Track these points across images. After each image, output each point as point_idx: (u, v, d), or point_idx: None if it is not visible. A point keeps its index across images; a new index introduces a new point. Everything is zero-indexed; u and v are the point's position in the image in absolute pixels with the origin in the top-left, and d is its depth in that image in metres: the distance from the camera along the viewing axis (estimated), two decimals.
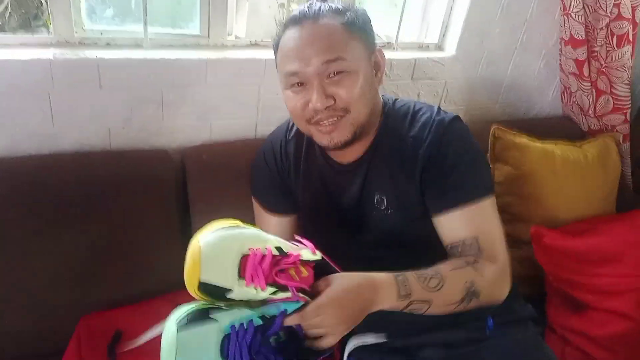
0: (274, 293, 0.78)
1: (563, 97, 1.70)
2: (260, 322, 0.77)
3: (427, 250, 0.97)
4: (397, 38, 1.47)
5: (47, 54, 1.07)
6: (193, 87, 1.22)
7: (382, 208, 1.00)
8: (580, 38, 1.45)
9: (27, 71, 1.05)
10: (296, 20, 0.91)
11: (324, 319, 0.75)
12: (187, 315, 0.76)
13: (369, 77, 0.93)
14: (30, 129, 1.12)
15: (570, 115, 1.72)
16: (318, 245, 0.83)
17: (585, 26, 1.43)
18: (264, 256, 0.78)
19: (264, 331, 0.77)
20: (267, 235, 0.83)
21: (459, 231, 0.93)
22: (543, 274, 1.35)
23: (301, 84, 0.90)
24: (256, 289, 0.76)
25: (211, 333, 0.74)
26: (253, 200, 1.15)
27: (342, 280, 0.79)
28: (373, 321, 1.09)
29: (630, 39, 1.44)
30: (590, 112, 1.61)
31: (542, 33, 1.60)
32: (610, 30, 1.44)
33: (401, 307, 0.83)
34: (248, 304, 0.79)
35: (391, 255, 1.01)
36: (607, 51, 1.48)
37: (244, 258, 0.77)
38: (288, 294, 0.78)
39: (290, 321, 0.76)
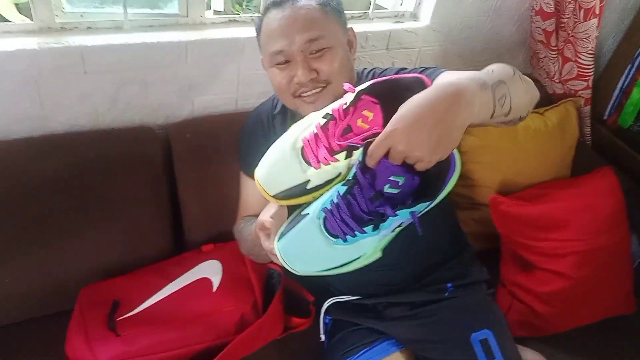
0: (347, 157, 0.77)
1: (532, 61, 1.77)
2: (345, 188, 0.75)
3: None
4: (372, 7, 1.50)
5: (32, 43, 1.10)
6: (174, 67, 1.26)
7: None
8: (550, 11, 1.50)
9: (13, 61, 1.10)
10: (277, 4, 0.99)
11: (396, 138, 0.67)
12: (285, 227, 0.81)
13: (346, 52, 1.02)
14: (20, 113, 1.18)
15: (538, 78, 1.79)
16: None
17: (555, 1, 1.48)
18: (315, 135, 0.78)
19: (351, 192, 0.73)
20: (306, 118, 0.85)
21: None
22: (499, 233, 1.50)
23: (286, 61, 0.98)
24: (329, 165, 0.77)
25: (308, 224, 0.77)
26: (241, 173, 1.23)
27: (407, 104, 0.69)
28: (350, 284, 1.25)
29: (597, 12, 1.49)
30: (555, 78, 1.69)
31: None
32: (579, 4, 1.48)
33: (488, 99, 0.72)
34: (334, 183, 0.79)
35: None
36: (575, 22, 1.53)
37: (303, 149, 0.80)
38: (360, 149, 0.74)
39: (368, 162, 0.71)
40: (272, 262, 1.13)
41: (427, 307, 1.18)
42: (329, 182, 0.80)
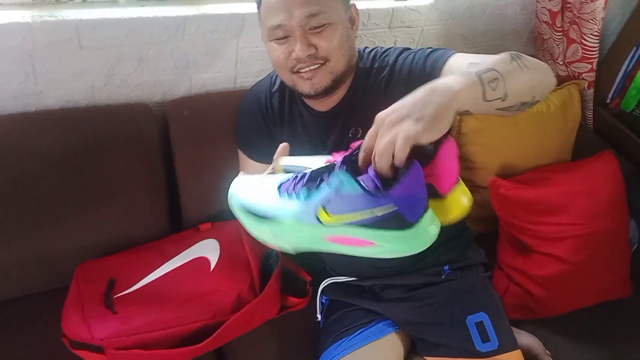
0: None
1: (536, 42, 1.74)
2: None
3: None
4: None
5: (26, 16, 1.07)
6: (171, 43, 1.24)
7: (358, 136, 1.08)
8: None
9: (6, 34, 1.07)
10: None
11: (398, 113, 0.64)
12: None
13: (347, 29, 1.00)
14: (14, 89, 1.16)
15: (541, 60, 1.76)
16: None
17: None
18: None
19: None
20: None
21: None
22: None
23: (284, 36, 0.96)
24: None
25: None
26: (239, 151, 1.23)
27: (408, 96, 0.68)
28: (344, 266, 1.25)
29: None
30: (559, 59, 1.67)
31: None
32: None
33: (473, 84, 0.71)
34: None
35: None
36: (581, 3, 1.50)
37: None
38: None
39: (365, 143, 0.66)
40: None
41: (423, 289, 1.18)
42: None
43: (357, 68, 1.08)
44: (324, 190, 0.65)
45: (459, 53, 0.99)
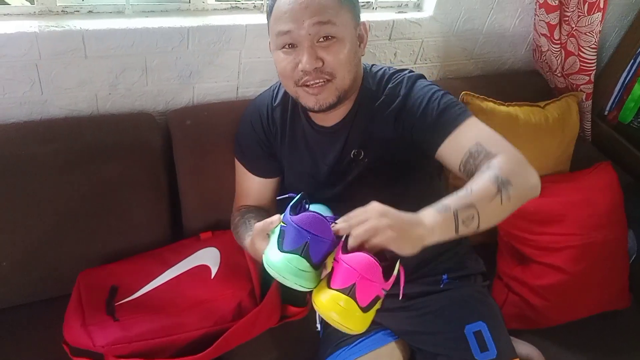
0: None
1: (535, 54, 1.76)
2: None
3: (406, 191, 1.10)
4: None
5: (33, 26, 1.09)
6: (175, 53, 1.26)
7: (360, 158, 1.10)
8: (554, 4, 1.49)
9: (13, 44, 1.09)
10: None
11: (367, 214, 0.78)
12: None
13: (354, 46, 1.01)
14: (20, 97, 1.17)
15: (540, 72, 1.79)
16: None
17: None
18: None
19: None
20: None
21: (461, 148, 0.96)
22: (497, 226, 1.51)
23: (292, 45, 0.96)
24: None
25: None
26: (237, 163, 1.23)
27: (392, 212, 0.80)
28: None
29: (601, 6, 1.48)
30: (557, 71, 1.69)
31: None
32: None
33: (448, 222, 0.81)
34: None
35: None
36: (579, 16, 1.52)
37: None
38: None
39: (339, 228, 0.81)
40: None
41: (422, 298, 1.19)
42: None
43: (362, 86, 1.08)
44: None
45: (473, 119, 0.99)
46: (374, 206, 0.80)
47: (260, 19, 1.31)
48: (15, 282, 1.19)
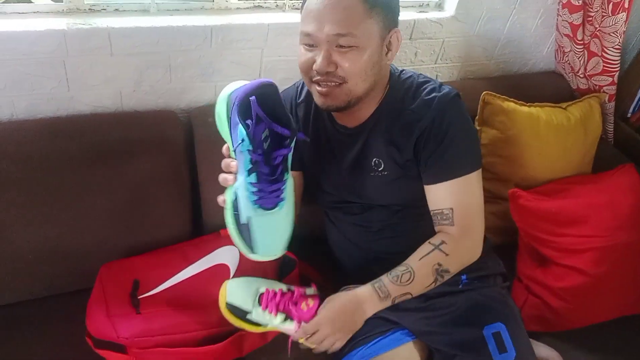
0: (283, 321, 1.07)
1: (557, 54, 1.74)
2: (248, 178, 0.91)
3: (417, 208, 1.13)
4: None
5: (61, 24, 1.12)
6: (199, 51, 1.27)
7: (379, 169, 1.11)
8: (578, 4, 1.47)
9: (42, 41, 1.11)
10: None
11: (322, 331, 1.02)
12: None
13: (376, 55, 0.99)
14: (48, 93, 1.20)
15: (562, 73, 1.77)
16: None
17: None
18: (275, 293, 1.08)
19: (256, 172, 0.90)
20: (278, 282, 1.13)
21: (441, 201, 1.07)
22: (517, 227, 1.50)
23: (312, 44, 0.98)
24: (269, 315, 1.06)
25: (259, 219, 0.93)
26: None
27: (332, 302, 1.06)
28: (362, 274, 1.26)
29: (626, 6, 1.47)
30: (580, 72, 1.67)
31: None
32: None
33: (388, 305, 1.06)
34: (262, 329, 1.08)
35: (385, 216, 1.15)
36: (602, 16, 1.50)
37: (262, 295, 1.08)
38: (292, 326, 1.06)
39: (297, 334, 1.04)
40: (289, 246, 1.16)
41: (440, 298, 1.17)
42: (258, 325, 1.07)
43: (388, 91, 1.08)
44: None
45: (470, 178, 1.07)
46: (326, 325, 1.04)
47: (282, 17, 1.32)
48: (41, 274, 1.21)
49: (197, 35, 1.24)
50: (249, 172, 0.89)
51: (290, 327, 1.06)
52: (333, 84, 0.98)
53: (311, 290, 1.12)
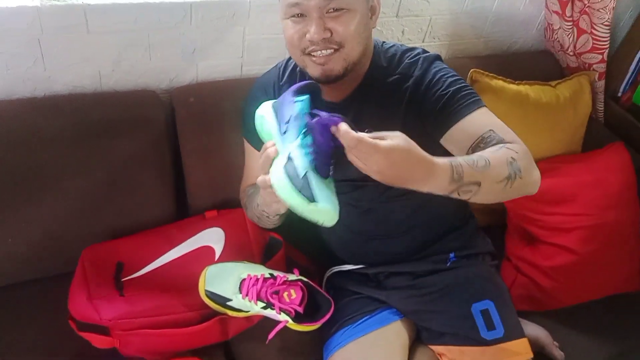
0: (264, 308, 1.06)
1: (546, 32, 1.72)
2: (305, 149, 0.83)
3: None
4: None
5: (34, 0, 1.08)
6: (178, 29, 1.24)
7: None
8: None
9: (15, 18, 1.08)
10: None
11: (370, 159, 0.76)
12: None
13: (365, 17, 0.98)
14: (24, 73, 1.17)
15: (551, 51, 1.75)
16: None
17: None
18: (257, 279, 1.07)
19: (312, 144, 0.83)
20: (261, 266, 1.13)
21: (472, 133, 0.94)
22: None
23: (301, 15, 0.94)
24: (250, 302, 1.06)
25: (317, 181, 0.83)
26: (245, 143, 1.21)
27: (409, 145, 0.77)
28: (349, 254, 1.25)
29: None
30: (569, 50, 1.65)
31: None
32: None
33: (449, 190, 0.81)
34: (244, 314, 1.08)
35: (376, 194, 1.12)
36: None
37: (243, 280, 1.07)
38: (274, 312, 1.05)
39: (345, 134, 0.77)
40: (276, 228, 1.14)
41: (428, 277, 1.18)
42: (240, 311, 1.08)
43: (372, 61, 1.06)
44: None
45: (485, 109, 0.98)
46: (380, 159, 0.75)
47: None
48: (22, 256, 1.18)
49: (176, 12, 1.20)
50: (305, 134, 0.83)
51: (272, 313, 1.05)
52: (329, 51, 0.95)
53: (293, 277, 1.10)
